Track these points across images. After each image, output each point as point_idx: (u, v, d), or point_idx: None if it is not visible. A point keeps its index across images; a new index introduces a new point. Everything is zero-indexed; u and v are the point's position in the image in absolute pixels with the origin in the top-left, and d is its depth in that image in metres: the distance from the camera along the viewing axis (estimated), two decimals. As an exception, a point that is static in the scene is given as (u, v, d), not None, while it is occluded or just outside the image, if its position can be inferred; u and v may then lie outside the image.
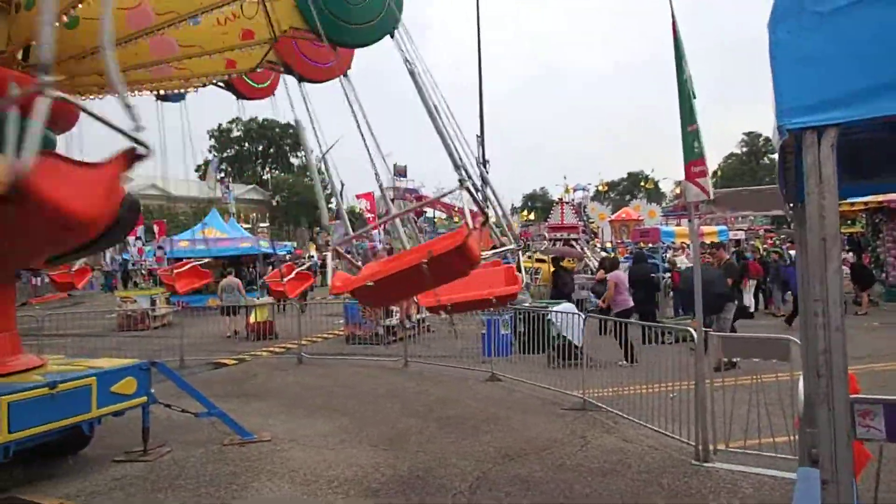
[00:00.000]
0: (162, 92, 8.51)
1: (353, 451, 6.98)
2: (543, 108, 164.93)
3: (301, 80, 8.24)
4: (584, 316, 10.21)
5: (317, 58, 8.25)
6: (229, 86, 8.73)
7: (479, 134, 19.93)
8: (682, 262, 18.92)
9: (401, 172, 20.00)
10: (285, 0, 7.04)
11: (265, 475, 6.27)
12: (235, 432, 7.45)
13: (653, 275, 14.18)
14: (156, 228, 24.66)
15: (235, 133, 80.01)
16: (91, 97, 8.17)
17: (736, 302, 11.49)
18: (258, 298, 19.36)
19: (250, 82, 9.05)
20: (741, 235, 26.38)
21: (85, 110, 3.81)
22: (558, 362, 10.91)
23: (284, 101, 9.38)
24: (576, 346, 10.83)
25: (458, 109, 8.32)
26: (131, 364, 6.94)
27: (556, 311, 11.25)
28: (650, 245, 23.06)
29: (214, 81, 8.26)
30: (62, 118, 6.62)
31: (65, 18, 6.03)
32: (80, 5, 5.93)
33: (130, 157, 3.42)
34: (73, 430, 6.32)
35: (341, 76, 8.30)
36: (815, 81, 1.66)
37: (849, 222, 22.66)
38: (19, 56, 6.19)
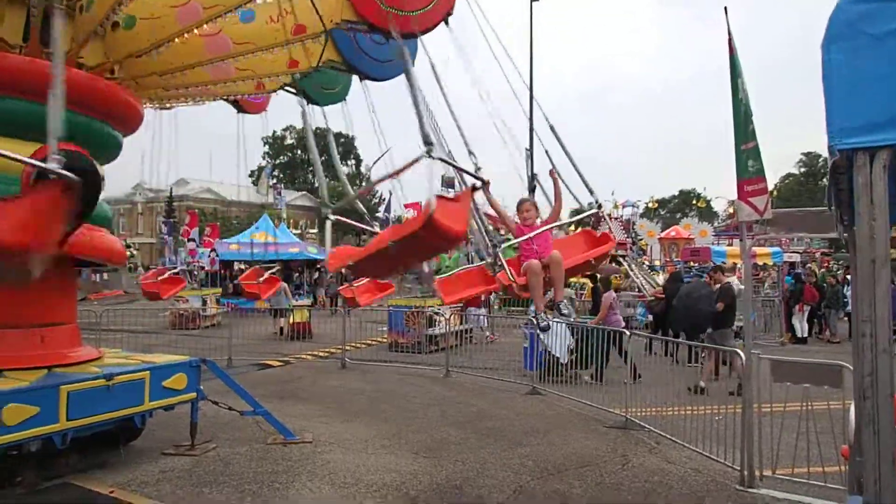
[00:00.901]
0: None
1: (393, 457, 7.05)
2: (594, 121, 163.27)
3: (388, 37, 7.03)
4: (628, 334, 10.08)
5: (406, 5, 6.83)
6: (369, 24, 7.22)
7: (527, 147, 19.88)
8: (735, 282, 18.50)
9: (449, 183, 20.14)
10: None
11: (306, 476, 6.39)
12: (279, 432, 7.61)
13: None
14: (208, 230, 25.39)
15: (289, 140, 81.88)
16: (157, 105, 8.54)
17: (733, 328, 10.94)
18: (297, 300, 20.93)
19: (398, 11, 7.00)
20: (796, 258, 25.50)
21: (443, 160, 4.84)
22: (545, 378, 11.00)
23: (343, 110, 9.45)
24: (561, 363, 10.94)
25: (508, 120, 8.29)
26: (183, 361, 7.17)
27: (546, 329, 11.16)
28: (699, 265, 22.58)
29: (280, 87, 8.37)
30: (129, 121, 6.94)
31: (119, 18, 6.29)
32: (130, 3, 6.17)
33: (474, 190, 4.57)
34: (125, 422, 6.56)
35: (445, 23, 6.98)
36: (868, 102, 1.65)
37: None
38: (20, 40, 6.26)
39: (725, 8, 5.83)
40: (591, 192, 6.70)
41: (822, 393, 6.23)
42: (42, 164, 3.77)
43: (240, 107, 9.71)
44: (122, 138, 7.03)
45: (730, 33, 5.94)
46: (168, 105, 8.80)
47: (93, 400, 5.99)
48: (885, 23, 1.63)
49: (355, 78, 8.75)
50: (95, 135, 6.42)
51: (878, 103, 1.65)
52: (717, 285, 11.34)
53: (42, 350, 6.21)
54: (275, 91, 8.31)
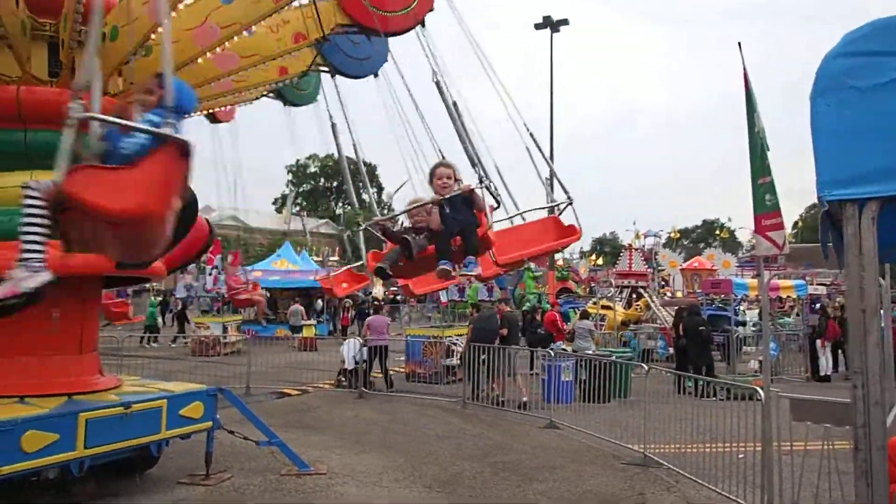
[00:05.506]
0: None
1: (406, 490, 7.01)
2: (616, 149, 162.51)
3: (373, 34, 7.91)
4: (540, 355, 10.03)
5: (387, 5, 7.55)
6: (359, 25, 7.75)
7: (547, 177, 19.88)
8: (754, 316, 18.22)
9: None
10: (329, 3, 7.51)
11: (318, 508, 6.37)
12: (293, 463, 7.61)
13: (702, 328, 14.01)
14: (230, 258, 25.61)
15: (312, 169, 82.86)
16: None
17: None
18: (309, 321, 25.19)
19: (381, 12, 7.67)
20: (822, 291, 24.97)
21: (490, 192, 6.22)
22: (343, 385, 13.77)
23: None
24: (347, 370, 13.56)
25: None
26: (200, 389, 7.24)
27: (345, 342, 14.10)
28: (722, 297, 22.28)
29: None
30: None
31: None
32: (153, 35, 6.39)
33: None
34: (141, 450, 6.62)
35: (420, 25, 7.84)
36: (856, 155, 1.66)
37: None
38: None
39: (739, 43, 5.89)
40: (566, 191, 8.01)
41: (846, 431, 6.08)
42: (158, 130, 3.65)
43: (213, 117, 10.18)
44: None
45: (745, 69, 5.98)
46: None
47: (111, 428, 6.06)
48: (870, 77, 1.65)
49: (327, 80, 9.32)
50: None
51: (864, 156, 1.66)
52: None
53: (62, 377, 6.32)
54: (257, 98, 8.61)
